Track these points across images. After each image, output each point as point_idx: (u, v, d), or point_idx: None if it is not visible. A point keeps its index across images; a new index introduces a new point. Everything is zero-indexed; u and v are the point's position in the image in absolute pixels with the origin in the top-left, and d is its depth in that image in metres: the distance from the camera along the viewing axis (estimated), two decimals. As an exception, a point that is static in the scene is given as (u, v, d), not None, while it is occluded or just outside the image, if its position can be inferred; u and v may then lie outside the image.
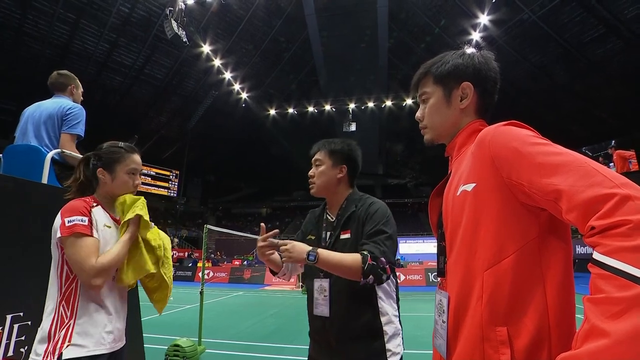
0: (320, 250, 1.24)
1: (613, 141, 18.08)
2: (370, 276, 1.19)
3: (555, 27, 16.32)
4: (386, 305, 1.32)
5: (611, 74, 17.21)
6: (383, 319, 1.30)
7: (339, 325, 1.31)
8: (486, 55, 0.87)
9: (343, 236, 1.38)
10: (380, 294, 1.32)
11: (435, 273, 0.91)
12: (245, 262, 21.20)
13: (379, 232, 1.27)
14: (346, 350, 1.29)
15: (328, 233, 1.44)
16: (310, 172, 1.48)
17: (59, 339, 1.14)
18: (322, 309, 1.35)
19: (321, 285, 1.37)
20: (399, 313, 1.37)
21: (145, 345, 2.39)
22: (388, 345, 1.28)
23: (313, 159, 1.50)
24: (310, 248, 1.25)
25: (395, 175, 36.16)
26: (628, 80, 16.78)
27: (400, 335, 1.33)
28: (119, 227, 1.31)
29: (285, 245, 1.26)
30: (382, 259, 1.21)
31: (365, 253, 1.21)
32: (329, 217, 1.49)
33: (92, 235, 1.20)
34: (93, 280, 1.16)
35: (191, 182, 33.01)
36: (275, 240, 1.35)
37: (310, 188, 1.49)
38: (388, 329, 1.30)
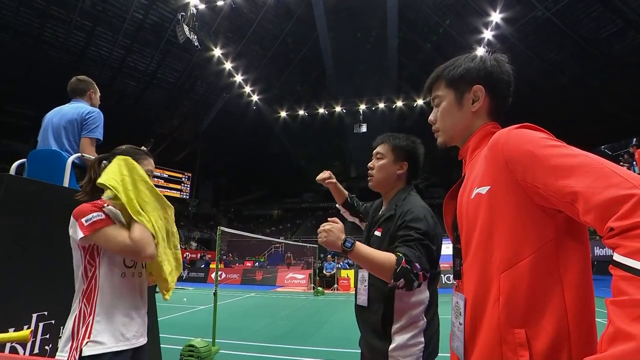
0: (358, 242, 1.20)
1: (634, 139, 17.53)
2: (402, 280, 1.14)
3: (570, 23, 15.96)
4: (407, 312, 1.27)
5: (630, 70, 16.70)
6: (395, 326, 1.27)
7: (362, 316, 1.38)
8: (499, 59, 0.87)
9: (376, 233, 1.38)
10: (399, 299, 1.28)
11: (449, 275, 0.91)
12: (257, 263, 21.33)
13: (415, 238, 1.22)
14: (365, 342, 1.36)
15: (371, 228, 1.45)
16: (370, 164, 1.46)
17: (80, 336, 1.16)
18: (363, 298, 1.37)
19: (363, 275, 1.39)
20: (427, 326, 1.28)
21: (161, 345, 2.44)
22: (393, 353, 1.24)
23: (374, 152, 1.47)
24: (348, 236, 1.20)
25: (406, 176, 35.82)
26: (648, 76, 16.28)
27: (419, 347, 1.25)
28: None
29: (325, 226, 1.22)
30: (417, 264, 1.16)
31: (400, 255, 1.16)
32: (381, 211, 1.48)
33: (114, 223, 1.25)
34: (144, 252, 1.22)
35: (203, 185, 33.44)
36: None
37: (368, 180, 1.48)
38: (398, 337, 1.25)
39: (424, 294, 1.30)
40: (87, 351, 1.14)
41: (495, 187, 0.71)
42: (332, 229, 1.20)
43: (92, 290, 1.22)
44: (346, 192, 1.83)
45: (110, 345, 1.19)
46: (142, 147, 1.52)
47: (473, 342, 0.74)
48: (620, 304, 0.47)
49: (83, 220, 1.20)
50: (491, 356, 0.68)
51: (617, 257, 0.50)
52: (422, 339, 1.25)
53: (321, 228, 1.22)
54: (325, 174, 1.75)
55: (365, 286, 1.36)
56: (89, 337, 1.16)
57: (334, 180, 1.75)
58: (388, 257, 1.17)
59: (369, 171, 1.47)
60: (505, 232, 0.69)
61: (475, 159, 0.83)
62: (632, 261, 0.47)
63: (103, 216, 1.24)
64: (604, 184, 0.54)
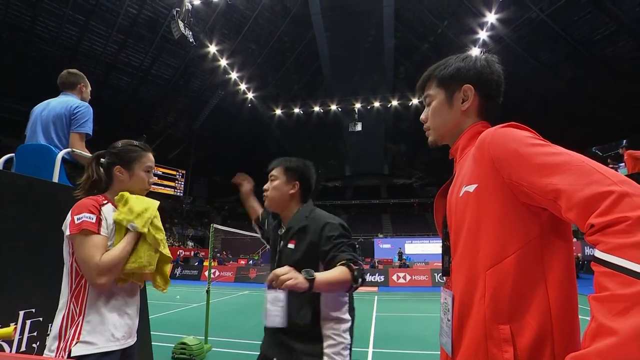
0: (316, 273, 1.22)
1: (624, 141, 17.79)
2: (359, 279, 1.25)
3: (565, 25, 16.12)
4: (332, 313, 1.38)
5: (622, 73, 16.94)
6: (325, 326, 1.36)
7: (281, 336, 1.38)
8: (489, 59, 0.89)
9: (290, 246, 1.45)
10: (326, 301, 1.38)
11: (441, 273, 0.92)
12: (251, 261, 21.29)
13: (341, 243, 1.34)
14: (282, 345, 1.38)
15: (281, 242, 1.52)
16: (265, 186, 1.56)
17: (69, 336, 1.15)
18: (277, 320, 1.27)
19: (276, 296, 1.29)
20: (352, 324, 1.42)
21: (152, 343, 2.42)
22: (326, 350, 1.34)
23: (269, 175, 1.58)
24: (303, 273, 1.19)
25: (401, 175, 36.00)
26: None
27: (346, 345, 1.38)
28: (118, 224, 1.28)
29: (281, 271, 1.16)
30: (359, 262, 1.30)
31: (345, 261, 1.26)
32: (282, 228, 1.56)
33: (99, 233, 1.21)
34: (97, 278, 1.17)
35: (197, 182, 33.24)
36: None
37: (264, 200, 1.59)
38: (330, 334, 1.35)
39: (345, 294, 1.40)
40: (76, 351, 1.13)
41: (482, 186, 0.72)
42: (289, 270, 1.17)
43: (82, 289, 1.20)
44: (260, 209, 1.74)
45: (101, 345, 1.17)
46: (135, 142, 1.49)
47: (460, 338, 0.75)
48: (602, 299, 0.48)
49: (75, 217, 1.19)
50: (477, 352, 0.69)
51: (597, 254, 0.51)
52: (348, 336, 1.39)
53: (283, 275, 1.14)
54: (241, 179, 1.63)
55: (281, 307, 1.28)
56: (78, 338, 1.14)
57: (250, 188, 1.66)
58: (340, 270, 1.25)
59: (264, 193, 1.56)
60: (492, 229, 0.70)
61: (464, 158, 0.84)
62: (612, 257, 0.48)
63: (94, 220, 1.21)
64: (585, 181, 0.55)
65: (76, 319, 1.17)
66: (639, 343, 0.42)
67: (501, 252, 0.68)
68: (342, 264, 1.26)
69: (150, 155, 1.44)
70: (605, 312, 0.47)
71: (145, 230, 1.30)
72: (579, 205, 0.54)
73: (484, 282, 0.69)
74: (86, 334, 1.16)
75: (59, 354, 1.13)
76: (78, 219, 1.18)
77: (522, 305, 0.65)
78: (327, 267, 1.33)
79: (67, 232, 1.18)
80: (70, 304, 1.19)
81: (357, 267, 1.26)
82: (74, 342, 1.13)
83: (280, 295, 1.28)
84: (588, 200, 0.53)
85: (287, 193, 1.52)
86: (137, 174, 1.37)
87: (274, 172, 1.57)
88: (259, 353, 1.49)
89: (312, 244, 1.38)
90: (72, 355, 1.11)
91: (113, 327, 1.22)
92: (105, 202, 1.31)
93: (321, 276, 1.20)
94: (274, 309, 1.29)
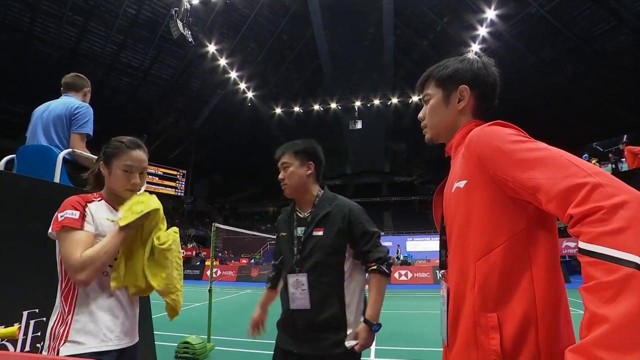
0: (369, 316, 1.37)
1: (624, 136, 17.77)
2: (389, 271, 1.41)
3: (564, 20, 16.04)
4: (355, 300, 1.43)
5: (623, 68, 16.85)
6: (348, 312, 1.40)
7: (307, 317, 1.40)
8: (486, 62, 0.93)
9: (316, 233, 1.46)
10: (348, 288, 1.43)
11: (439, 266, 0.96)
12: (253, 260, 21.32)
13: (369, 233, 1.44)
14: (310, 339, 1.39)
15: (300, 229, 1.51)
16: (281, 176, 1.55)
17: (58, 336, 1.12)
18: (301, 302, 1.41)
19: (297, 279, 1.43)
20: (364, 308, 1.47)
21: (155, 343, 2.43)
22: (350, 335, 1.39)
23: (280, 163, 1.56)
24: (367, 326, 1.36)
25: (401, 172, 35.95)
26: (640, 74, 16.41)
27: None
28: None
29: (361, 346, 1.34)
30: (388, 256, 1.42)
31: (375, 266, 1.39)
32: (299, 214, 1.57)
33: (81, 229, 1.16)
34: (76, 274, 1.10)
35: (198, 182, 33.26)
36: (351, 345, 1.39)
37: (283, 189, 1.56)
38: (353, 319, 1.40)
39: (363, 276, 1.48)
40: (64, 351, 1.10)
41: (471, 181, 0.76)
42: (364, 339, 1.34)
43: (71, 288, 1.17)
44: (271, 295, 1.81)
45: (91, 345, 1.13)
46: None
47: (455, 328, 0.78)
48: (591, 289, 0.50)
49: (59, 215, 1.16)
50: (468, 340, 0.72)
51: (581, 245, 0.53)
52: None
53: (360, 349, 1.34)
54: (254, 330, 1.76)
55: (303, 290, 1.41)
56: (66, 338, 1.11)
57: (261, 323, 1.78)
58: (377, 284, 1.39)
59: (282, 182, 1.55)
60: (481, 222, 0.73)
61: (457, 155, 0.87)
62: (593, 246, 0.51)
63: (77, 216, 1.16)
64: (562, 174, 0.58)
65: (65, 318, 1.14)
66: (630, 327, 0.44)
67: (489, 244, 0.71)
68: (373, 270, 1.40)
69: (133, 154, 1.28)
70: (595, 301, 0.48)
71: (126, 222, 1.19)
72: (557, 197, 0.58)
73: (474, 272, 0.72)
74: (74, 333, 1.12)
75: (50, 353, 1.11)
76: (61, 216, 1.15)
77: (509, 294, 0.68)
78: (357, 258, 1.45)
79: (50, 230, 1.16)
80: (60, 303, 1.16)
81: (385, 264, 1.39)
82: (62, 342, 1.11)
83: (302, 278, 1.42)
84: (565, 192, 0.56)
85: (304, 176, 1.52)
86: (114, 172, 1.27)
87: (284, 159, 1.55)
88: (258, 351, 1.54)
89: (340, 230, 1.43)
90: (59, 354, 1.08)
91: (105, 327, 1.17)
92: (99, 199, 1.28)
93: (373, 313, 1.37)
94: (298, 291, 1.42)
